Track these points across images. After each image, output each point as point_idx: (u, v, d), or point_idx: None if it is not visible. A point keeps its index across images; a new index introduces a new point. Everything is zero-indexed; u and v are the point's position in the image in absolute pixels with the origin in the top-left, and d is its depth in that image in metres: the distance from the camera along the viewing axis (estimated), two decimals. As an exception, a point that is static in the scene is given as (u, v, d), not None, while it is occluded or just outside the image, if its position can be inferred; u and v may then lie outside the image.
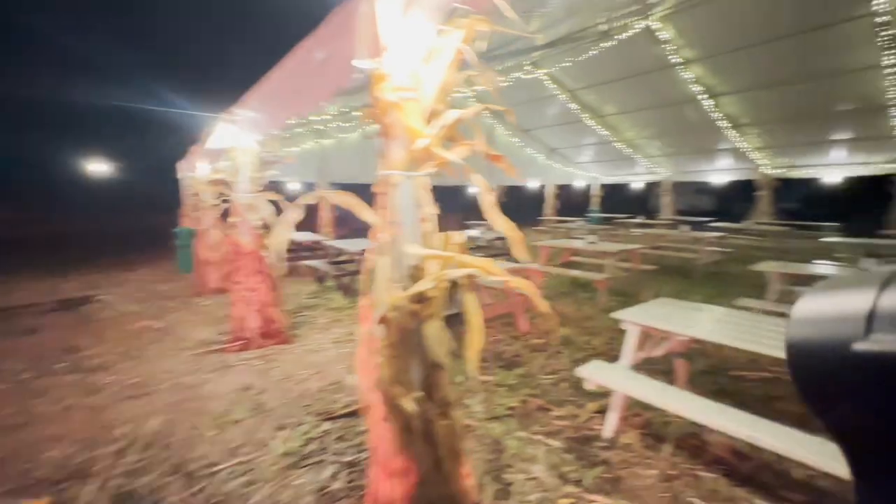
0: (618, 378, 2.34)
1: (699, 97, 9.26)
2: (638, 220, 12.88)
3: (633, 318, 2.52)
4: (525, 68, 9.15)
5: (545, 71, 9.43)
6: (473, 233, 8.30)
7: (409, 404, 1.49)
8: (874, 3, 5.91)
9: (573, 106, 11.09)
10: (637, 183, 16.59)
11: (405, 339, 1.53)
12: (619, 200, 20.54)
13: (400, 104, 1.42)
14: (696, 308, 2.73)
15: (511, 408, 2.78)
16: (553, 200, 17.28)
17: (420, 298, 1.53)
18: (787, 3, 6.35)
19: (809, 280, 4.03)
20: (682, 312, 2.64)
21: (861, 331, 0.37)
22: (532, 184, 17.17)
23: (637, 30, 7.44)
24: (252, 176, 3.87)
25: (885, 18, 6.11)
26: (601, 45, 7.71)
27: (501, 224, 1.51)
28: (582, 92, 10.62)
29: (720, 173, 13.95)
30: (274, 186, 4.18)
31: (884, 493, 0.39)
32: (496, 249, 8.11)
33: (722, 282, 6.23)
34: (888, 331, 0.36)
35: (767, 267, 3.94)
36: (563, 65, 8.86)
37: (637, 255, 5.80)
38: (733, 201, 19.73)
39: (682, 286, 6.18)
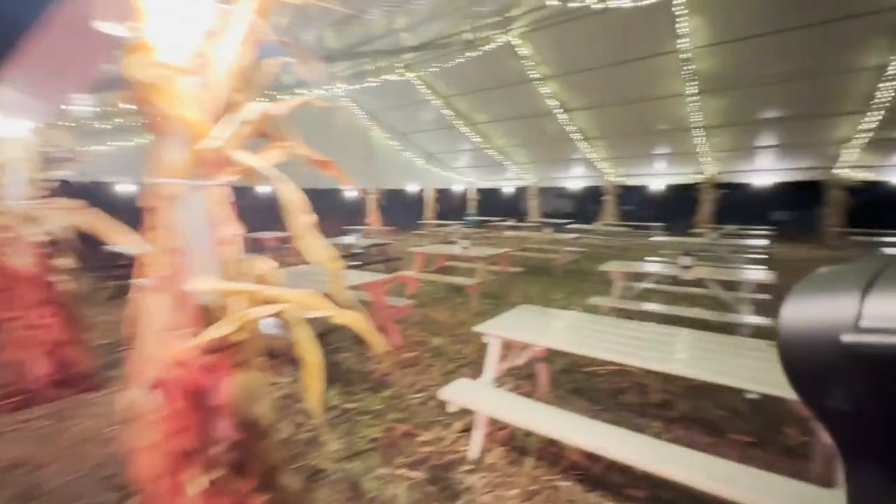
0: (480, 398, 2.24)
1: (555, 111, 10.22)
2: (509, 222, 13.74)
3: (495, 331, 2.47)
4: (397, 70, 9.00)
5: (416, 74, 9.42)
6: (349, 240, 7.86)
7: (199, 489, 1.11)
8: (679, 42, 7.09)
9: (447, 112, 11.34)
10: (508, 188, 17.79)
11: (196, 404, 1.15)
12: (496, 204, 21.89)
13: (170, 88, 1.04)
14: (554, 315, 2.80)
15: (374, 439, 2.52)
16: (433, 204, 17.57)
17: (220, 346, 1.17)
18: (617, 35, 7.30)
19: (643, 277, 4.59)
20: (541, 320, 2.68)
21: (850, 322, 0.37)
22: (411, 187, 17.21)
23: (499, 43, 7.83)
24: (29, 177, 2.94)
25: (687, 55, 7.40)
26: (467, 54, 7.94)
27: (316, 250, 1.23)
28: (455, 99, 10.91)
29: (575, 180, 15.71)
30: (70, 189, 3.24)
31: (872, 480, 0.40)
32: (372, 257, 7.80)
33: (579, 279, 6.87)
34: (877, 322, 0.36)
35: (610, 266, 4.38)
36: (432, 69, 8.93)
37: (506, 257, 6.05)
38: (588, 204, 22.45)
39: (546, 285, 6.65)
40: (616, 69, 8.21)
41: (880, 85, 7.31)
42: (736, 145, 10.80)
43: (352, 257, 7.38)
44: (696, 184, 12.95)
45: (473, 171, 16.37)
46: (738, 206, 15.97)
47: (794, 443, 2.38)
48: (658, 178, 14.10)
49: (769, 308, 4.90)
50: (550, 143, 12.47)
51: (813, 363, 0.41)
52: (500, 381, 2.96)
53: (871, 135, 8.85)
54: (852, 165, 10.49)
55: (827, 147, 10.02)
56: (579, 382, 3.18)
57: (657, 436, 2.51)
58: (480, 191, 18.13)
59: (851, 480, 0.41)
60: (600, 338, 2.30)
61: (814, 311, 0.42)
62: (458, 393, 2.28)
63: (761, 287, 4.12)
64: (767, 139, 10.42)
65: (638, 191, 16.38)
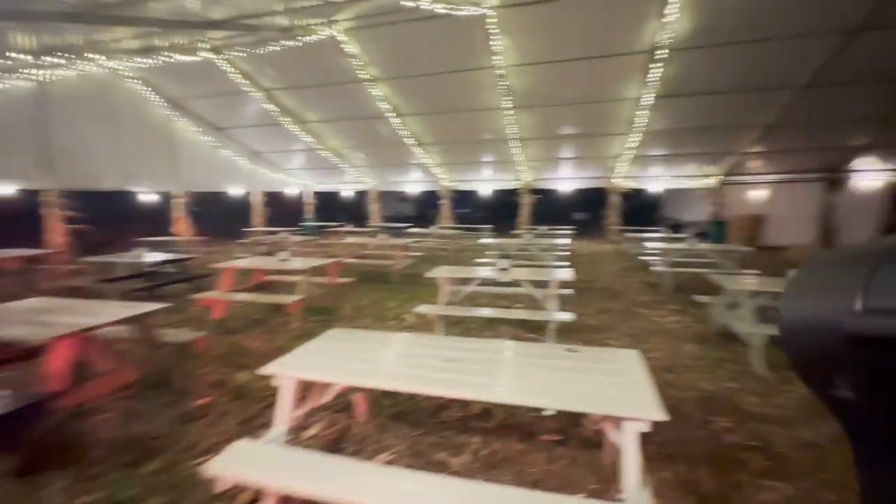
0: (263, 466, 1.75)
1: (388, 115, 10.11)
2: (348, 228, 13.18)
3: (289, 370, 2.01)
4: (201, 51, 7.62)
5: (224, 57, 8.14)
6: (131, 257, 6.23)
7: None
8: (494, 59, 7.67)
9: (272, 107, 10.20)
10: (348, 191, 17.16)
11: None
12: (336, 208, 20.95)
13: None
14: (367, 340, 2.49)
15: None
16: (261, 209, 15.78)
17: None
18: (441, 45, 7.51)
19: (468, 281, 4.68)
20: (351, 348, 2.33)
21: (852, 308, 0.37)
22: (235, 191, 15.12)
23: (323, 36, 7.28)
24: None
25: (501, 72, 8.08)
26: (284, 42, 7.17)
27: None
28: (279, 93, 9.86)
29: (414, 184, 16.04)
30: None
31: (882, 466, 0.40)
32: (168, 277, 6.37)
33: (416, 285, 6.80)
34: (879, 308, 0.36)
35: (436, 273, 4.34)
36: (242, 54, 7.83)
37: (335, 267, 5.56)
38: (429, 208, 23.26)
39: (382, 294, 6.40)
40: (442, 78, 8.48)
41: (637, 112, 9.23)
42: (544, 156, 12.42)
43: (137, 278, 5.87)
44: (515, 189, 14.52)
45: (308, 173, 15.26)
46: (549, 208, 18.66)
47: (590, 433, 2.55)
48: (486, 183, 15.37)
49: (571, 302, 5.58)
50: (387, 147, 12.37)
51: (816, 351, 0.41)
52: (302, 427, 2.51)
53: (634, 152, 11.17)
54: (623, 176, 13.14)
55: (606, 160, 12.31)
56: (401, 405, 2.94)
57: (476, 452, 2.42)
58: (318, 195, 17.06)
59: (861, 467, 0.41)
60: (420, 364, 2.07)
61: (814, 298, 0.41)
62: (233, 463, 1.75)
63: (564, 284, 4.59)
64: (566, 152, 12.27)
65: (470, 195, 17.69)
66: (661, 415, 1.49)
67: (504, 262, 4.40)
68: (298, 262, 5.09)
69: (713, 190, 12.66)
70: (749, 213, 12.40)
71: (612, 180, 13.50)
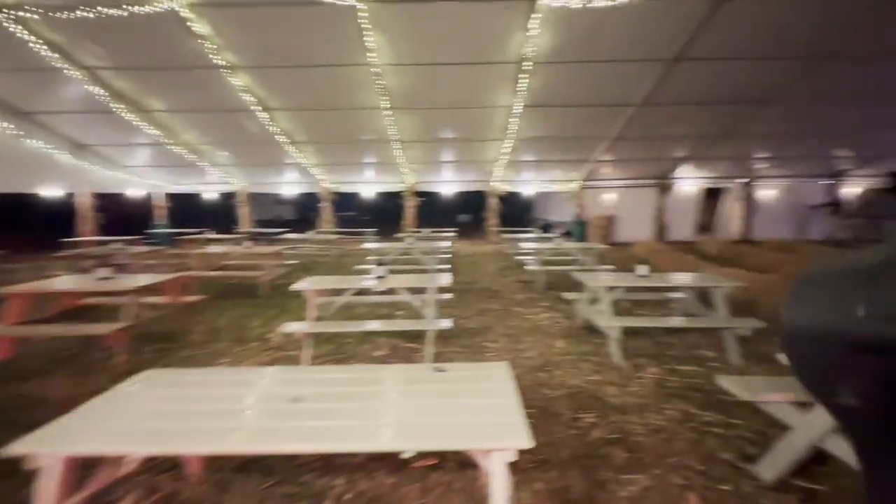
0: None
1: (253, 108, 9.07)
2: (209, 235, 11.57)
3: (54, 446, 1.44)
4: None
5: (12, 17, 6.39)
6: None
7: None
8: (369, 56, 7.34)
9: (99, 91, 8.37)
10: (211, 193, 15.14)
11: None
12: (197, 213, 18.33)
13: None
14: (201, 379, 1.97)
15: None
16: (91, 214, 13.03)
17: None
18: (310, 36, 6.91)
19: (343, 291, 4.29)
20: (173, 394, 1.80)
21: (855, 316, 0.38)
22: (51, 191, 12.20)
23: (161, 9, 6.14)
24: None
25: (377, 70, 7.78)
26: (103, 10, 5.88)
27: None
28: (108, 74, 8.13)
29: (291, 186, 14.83)
30: None
31: (889, 474, 0.40)
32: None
33: (286, 298, 6.11)
34: (881, 315, 0.37)
35: (303, 285, 3.86)
36: (31, 14, 6.24)
37: (179, 283, 4.66)
38: (310, 211, 21.84)
39: (244, 311, 5.60)
40: (314, 72, 7.85)
41: (510, 120, 9.76)
42: (426, 158, 12.48)
43: None
44: (400, 191, 14.37)
45: (158, 171, 13.04)
46: (434, 211, 18.96)
47: (466, 457, 2.40)
48: (370, 185, 14.92)
49: (452, 305, 5.54)
50: (255, 145, 11.14)
51: (819, 359, 0.42)
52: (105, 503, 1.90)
53: (507, 157, 11.85)
54: (500, 180, 13.90)
55: (484, 164, 12.86)
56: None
57: (340, 498, 2.08)
58: (173, 197, 14.73)
59: (865, 470, 0.41)
60: (263, 409, 1.65)
61: (816, 307, 0.42)
62: None
63: (443, 289, 4.48)
64: (447, 155, 12.50)
65: (354, 197, 17.02)
66: (527, 442, 1.36)
67: (380, 270, 4.11)
68: (128, 280, 4.12)
69: (575, 193, 14.11)
70: (604, 214, 14.11)
71: (491, 183, 14.18)
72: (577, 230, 13.79)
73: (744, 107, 9.05)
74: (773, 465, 2.14)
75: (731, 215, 14.32)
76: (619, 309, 5.18)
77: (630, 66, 7.58)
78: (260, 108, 9.11)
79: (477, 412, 1.58)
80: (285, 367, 2.09)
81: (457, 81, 8.18)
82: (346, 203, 21.77)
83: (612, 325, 3.83)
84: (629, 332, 4.16)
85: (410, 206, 14.40)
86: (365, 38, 6.92)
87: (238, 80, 8.17)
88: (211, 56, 7.38)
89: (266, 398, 1.76)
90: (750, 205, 14.03)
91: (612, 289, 4.10)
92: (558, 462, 2.36)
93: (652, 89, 8.26)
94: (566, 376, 3.50)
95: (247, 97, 8.67)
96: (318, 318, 4.01)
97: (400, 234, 10.04)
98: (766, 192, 14.07)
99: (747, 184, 13.92)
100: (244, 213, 14.60)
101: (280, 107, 9.31)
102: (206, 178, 13.57)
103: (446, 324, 3.73)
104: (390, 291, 4.33)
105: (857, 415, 0.40)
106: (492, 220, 14.72)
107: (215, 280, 6.99)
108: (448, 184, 14.72)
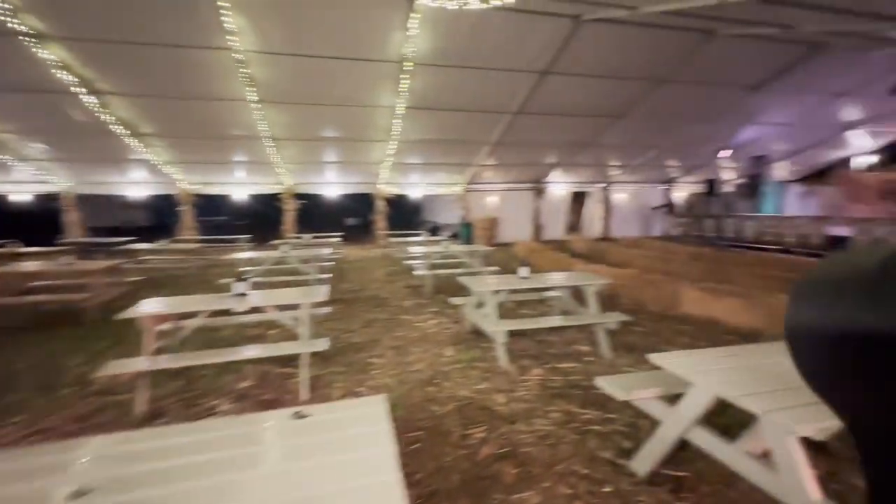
0: None
1: (74, 90, 7.33)
2: (12, 248, 9.10)
3: None
4: None
5: None
6: None
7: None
8: (229, 39, 6.42)
9: None
10: (22, 195, 12.01)
11: None
12: (8, 220, 14.38)
13: None
14: None
15: None
16: None
17: None
18: (150, 7, 5.78)
19: (189, 315, 3.55)
20: None
21: (858, 314, 0.37)
22: None
23: None
24: None
25: (240, 57, 6.87)
26: None
27: None
28: None
29: (138, 186, 12.52)
30: None
31: (891, 468, 0.39)
32: None
33: (122, 325, 4.95)
34: (884, 314, 0.36)
35: (135, 312, 3.08)
36: None
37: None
38: (168, 217, 18.89)
39: (60, 346, 4.39)
40: (159, 52, 6.60)
41: (393, 121, 9.52)
42: (306, 158, 11.58)
43: None
44: (277, 194, 13.14)
45: (-69, 166, 9.87)
46: (320, 215, 17.85)
47: None
48: (241, 187, 13.35)
49: (335, 318, 5.06)
50: (83, 136, 9.08)
51: (822, 357, 0.41)
52: None
53: (393, 159, 11.61)
54: (386, 182, 13.59)
55: (370, 166, 12.43)
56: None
57: None
58: (-40, 199, 11.33)
59: (868, 469, 0.40)
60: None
61: (819, 306, 0.41)
62: None
63: (321, 303, 4.02)
64: (330, 155, 11.77)
65: (223, 201, 15.11)
66: (401, 508, 1.09)
67: (241, 286, 3.50)
68: None
69: (460, 196, 14.49)
70: (488, 216, 14.75)
71: (378, 186, 13.79)
72: (464, 232, 14.17)
73: (601, 120, 10.18)
74: (646, 460, 2.23)
75: (594, 216, 16.15)
76: (504, 310, 5.28)
77: (506, 76, 7.92)
78: (84, 90, 7.40)
79: (345, 472, 1.26)
80: (72, 443, 1.49)
81: (334, 77, 7.66)
82: (214, 207, 19.31)
83: (498, 329, 3.81)
84: (514, 334, 4.22)
85: (290, 210, 13.26)
86: (223, 19, 6.03)
87: (49, 54, 6.50)
88: (5, 18, 5.72)
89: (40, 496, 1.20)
90: (608, 207, 15.99)
91: (496, 292, 4.11)
92: (448, 491, 2.15)
93: (525, 99, 8.78)
94: (455, 387, 3.36)
95: (65, 76, 6.96)
96: (159, 351, 3.24)
97: (276, 242, 9.03)
98: (620, 196, 16.19)
99: (605, 188, 15.84)
100: (72, 220, 11.87)
101: (112, 90, 7.68)
102: (10, 175, 10.70)
103: (322, 345, 3.31)
104: (256, 310, 3.73)
105: (860, 412, 0.40)
106: (380, 224, 14.34)
107: (21, 307, 5.42)
108: (332, 186, 13.92)
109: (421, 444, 2.56)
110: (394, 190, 14.10)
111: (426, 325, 5.07)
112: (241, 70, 7.20)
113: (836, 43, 7.40)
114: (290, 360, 3.71)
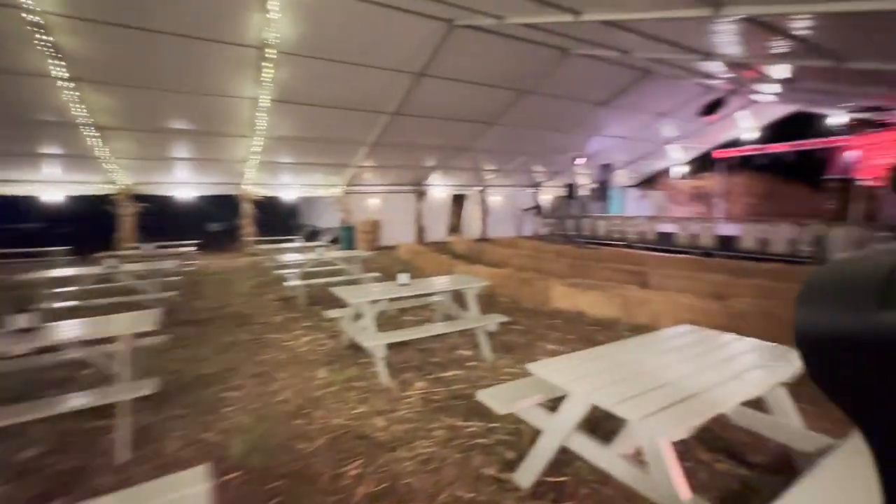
0: None
1: None
2: None
3: None
4: None
5: None
6: None
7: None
8: (16, -7, 4.93)
9: None
10: None
11: None
12: None
13: None
14: None
15: None
16: None
17: None
18: None
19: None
20: None
21: (871, 316, 0.36)
22: None
23: None
24: None
25: (34, 18, 5.34)
26: None
27: None
28: None
29: None
30: None
31: None
32: None
33: None
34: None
35: None
36: None
37: None
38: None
39: None
40: None
41: (257, 114, 8.50)
42: (146, 154, 9.72)
43: None
44: (109, 195, 10.80)
45: None
46: (171, 220, 15.27)
47: None
48: (55, 186, 10.63)
49: (180, 346, 4.14)
50: None
51: (835, 357, 0.40)
52: None
53: (259, 157, 10.43)
54: (253, 183, 12.20)
55: (233, 164, 10.99)
56: None
57: None
58: None
59: (884, 472, 0.39)
60: None
61: (830, 307, 0.40)
62: None
63: (150, 332, 3.21)
64: (180, 151, 10.06)
65: (29, 203, 11.93)
66: None
67: (22, 319, 2.58)
68: None
69: (340, 198, 13.76)
70: (369, 219, 14.28)
71: (243, 186, 12.30)
72: (346, 236, 13.48)
73: (476, 125, 10.55)
74: (529, 472, 2.15)
75: (472, 218, 16.82)
76: (386, 318, 4.99)
77: (381, 74, 7.63)
78: None
79: None
80: None
81: (176, 58, 6.49)
82: (15, 211, 15.21)
83: (376, 343, 3.50)
84: (395, 345, 3.95)
85: (128, 215, 11.02)
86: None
87: None
88: None
89: None
90: (485, 209, 16.81)
91: (374, 302, 3.79)
92: (313, 556, 1.78)
93: (402, 100, 8.61)
94: (328, 416, 2.95)
95: None
96: None
97: (102, 254, 7.21)
98: (495, 198, 17.15)
99: (482, 191, 16.62)
100: None
101: None
102: None
103: (146, 387, 2.60)
104: (48, 350, 2.81)
105: (872, 416, 0.38)
106: (248, 229, 12.81)
107: None
108: (186, 187, 11.97)
109: (282, 499, 2.12)
110: (263, 191, 12.73)
111: (297, 343, 4.50)
112: (39, 36, 5.62)
113: (660, 70, 8.78)
114: (107, 410, 2.87)
